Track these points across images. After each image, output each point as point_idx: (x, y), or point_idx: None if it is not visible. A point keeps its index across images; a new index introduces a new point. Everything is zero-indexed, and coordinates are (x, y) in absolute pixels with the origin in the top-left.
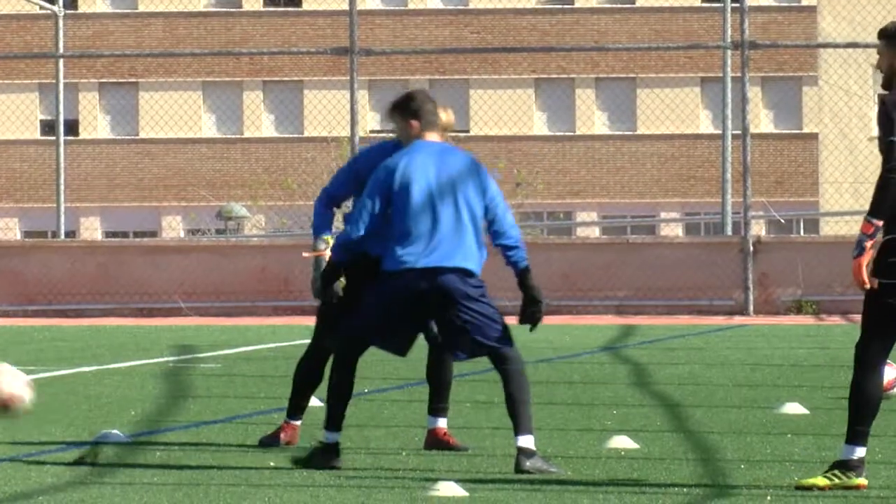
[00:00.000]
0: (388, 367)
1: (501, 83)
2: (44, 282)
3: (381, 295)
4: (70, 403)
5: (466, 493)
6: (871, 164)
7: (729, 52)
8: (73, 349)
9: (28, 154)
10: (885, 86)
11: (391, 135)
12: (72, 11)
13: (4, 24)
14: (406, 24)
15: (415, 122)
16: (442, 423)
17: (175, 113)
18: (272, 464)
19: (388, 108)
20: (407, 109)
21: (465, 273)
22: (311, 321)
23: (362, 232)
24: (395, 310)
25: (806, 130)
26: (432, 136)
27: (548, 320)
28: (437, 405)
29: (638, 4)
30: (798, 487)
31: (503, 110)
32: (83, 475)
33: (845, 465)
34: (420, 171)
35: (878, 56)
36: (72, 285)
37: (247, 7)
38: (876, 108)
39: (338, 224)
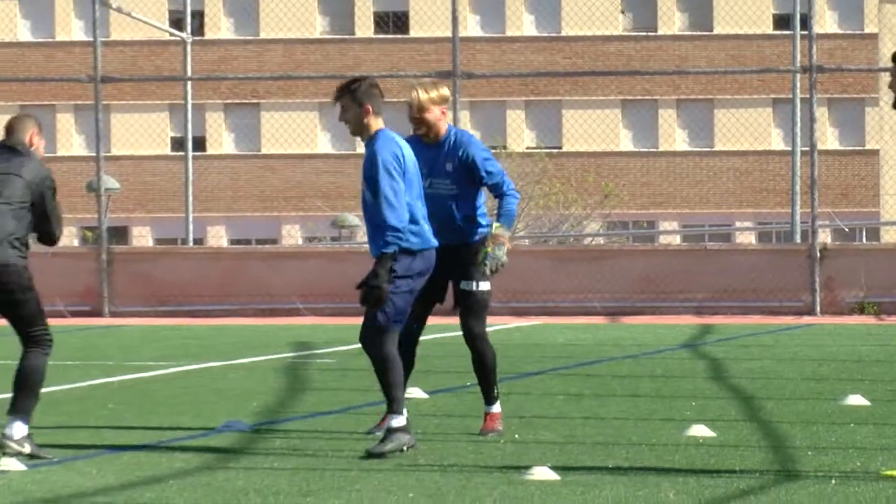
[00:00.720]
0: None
1: (591, 104)
2: (174, 285)
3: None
4: (198, 395)
5: (559, 478)
6: None
7: (798, 76)
8: (200, 346)
9: (159, 168)
10: (895, 105)
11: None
12: (199, 38)
13: (137, 49)
14: (504, 49)
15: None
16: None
17: (294, 130)
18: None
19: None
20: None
21: None
22: None
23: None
24: (418, 287)
25: (868, 147)
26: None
27: (632, 320)
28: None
29: (715, 32)
30: (883, 477)
31: (592, 128)
32: (210, 461)
33: None
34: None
35: (890, 77)
36: (199, 288)
37: (359, 34)
38: None
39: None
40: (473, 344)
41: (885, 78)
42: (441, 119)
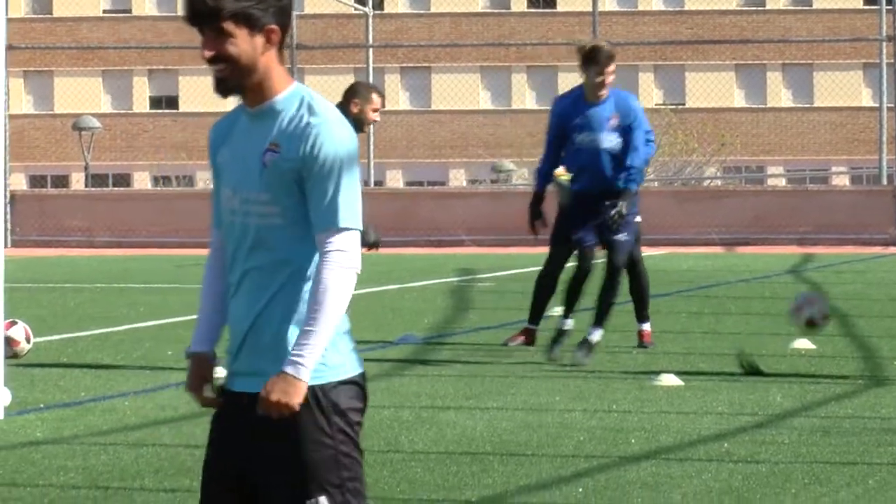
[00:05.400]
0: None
1: (709, 67)
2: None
3: None
4: (378, 313)
5: (682, 383)
6: None
7: (884, 44)
8: (380, 272)
9: None
10: None
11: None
12: (379, 11)
13: (326, 21)
14: (636, 21)
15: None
16: (645, 326)
17: (459, 90)
18: (533, 361)
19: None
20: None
21: None
22: None
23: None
24: None
25: None
26: None
27: (745, 250)
28: (640, 313)
29: (815, 7)
30: None
31: (711, 88)
32: (388, 369)
33: None
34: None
35: None
36: (379, 223)
37: (514, 9)
38: None
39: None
40: (634, 269)
41: None
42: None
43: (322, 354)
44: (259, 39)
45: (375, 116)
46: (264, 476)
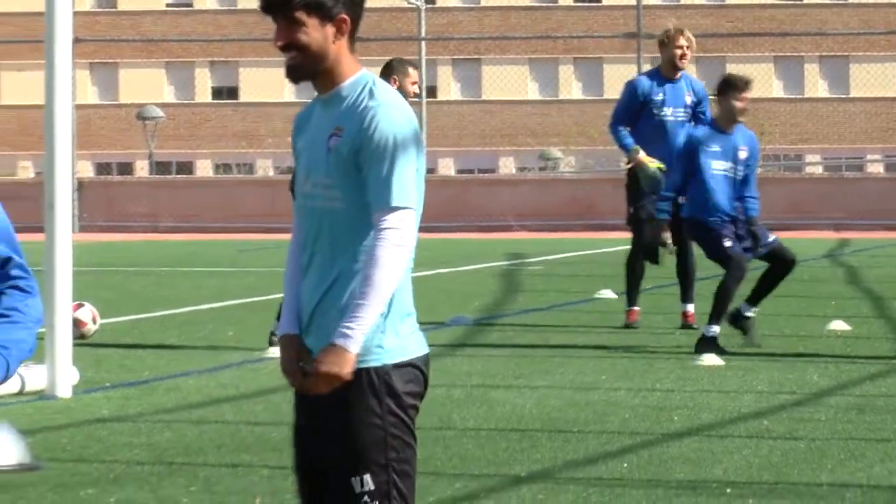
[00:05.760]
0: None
1: (749, 59)
2: None
3: None
4: (430, 296)
5: (723, 363)
6: None
7: None
8: (432, 257)
9: None
10: None
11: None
12: (431, 5)
13: (380, 14)
14: (679, 15)
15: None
16: (690, 307)
17: (508, 81)
18: (580, 342)
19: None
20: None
21: None
22: (610, 235)
23: None
24: None
25: None
26: None
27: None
28: (687, 294)
29: (850, 1)
30: None
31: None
32: (439, 350)
33: None
34: None
35: None
36: (431, 209)
37: (561, 2)
38: None
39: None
40: (683, 252)
41: None
42: None
43: (379, 337)
44: (330, 29)
45: (415, 89)
46: (320, 452)
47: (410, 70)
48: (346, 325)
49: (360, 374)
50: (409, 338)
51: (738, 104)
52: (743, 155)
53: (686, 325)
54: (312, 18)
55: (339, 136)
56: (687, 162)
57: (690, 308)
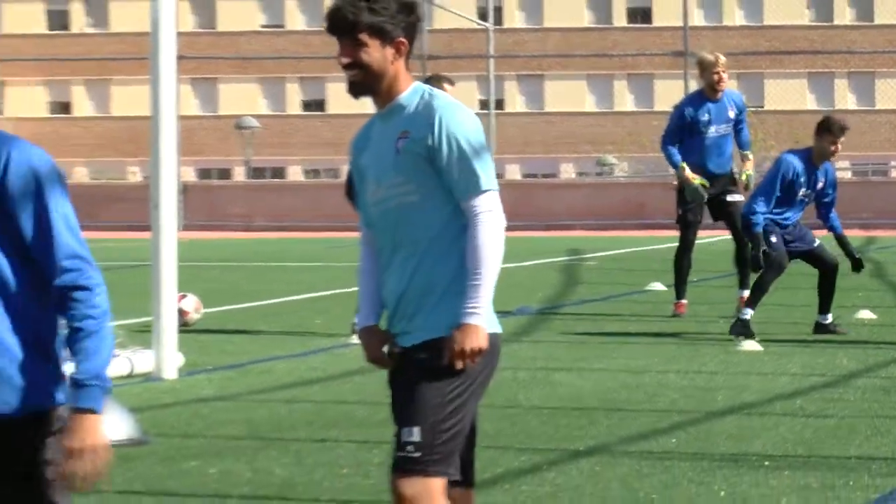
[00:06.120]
0: (706, 265)
1: (785, 75)
2: None
3: None
4: (498, 288)
5: (762, 348)
6: None
7: None
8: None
9: None
10: None
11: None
12: (498, 26)
13: (452, 34)
14: (721, 35)
15: None
16: (745, 293)
17: (568, 94)
18: (633, 329)
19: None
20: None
21: None
22: (660, 233)
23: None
24: None
25: None
26: None
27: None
28: (743, 282)
29: (877, 22)
30: None
31: (786, 94)
32: (506, 336)
33: None
34: None
35: None
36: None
37: (616, 23)
38: None
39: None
40: (739, 243)
41: None
42: None
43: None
44: (389, 50)
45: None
46: (398, 412)
47: (446, 85)
48: (470, 305)
49: (442, 342)
50: (490, 316)
51: (832, 148)
52: (819, 186)
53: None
54: (374, 40)
55: (407, 138)
56: (785, 189)
57: (746, 293)
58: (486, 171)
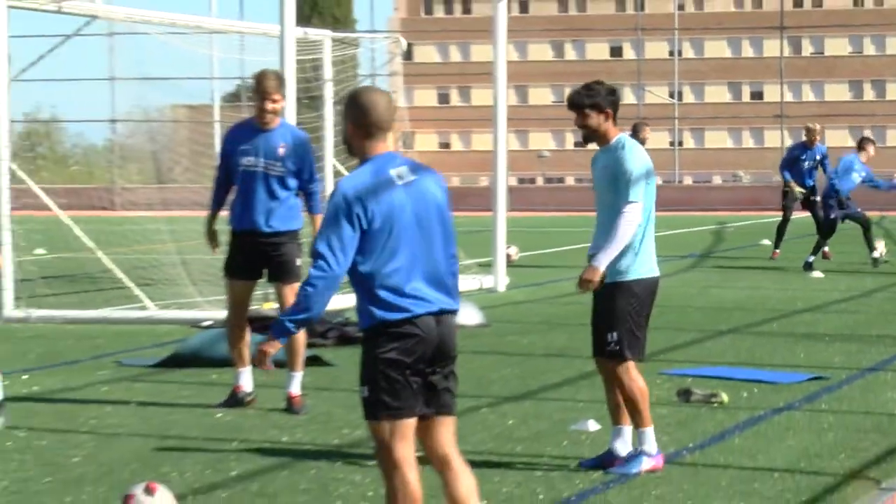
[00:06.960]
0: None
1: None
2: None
3: None
4: (678, 242)
5: (823, 275)
6: None
7: None
8: (679, 221)
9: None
10: None
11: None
12: (680, 101)
13: (651, 107)
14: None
15: None
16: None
17: (719, 139)
18: (749, 265)
19: None
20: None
21: None
22: (769, 212)
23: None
24: None
25: None
26: None
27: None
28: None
29: None
30: None
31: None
32: (682, 268)
33: None
34: None
35: None
36: (676, 201)
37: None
38: None
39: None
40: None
41: None
42: None
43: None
44: (602, 115)
45: (647, 135)
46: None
47: (646, 128)
48: (599, 256)
49: (621, 284)
50: (644, 264)
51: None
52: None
53: (824, 257)
54: (593, 111)
55: (609, 167)
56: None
57: (826, 248)
58: (636, 189)
